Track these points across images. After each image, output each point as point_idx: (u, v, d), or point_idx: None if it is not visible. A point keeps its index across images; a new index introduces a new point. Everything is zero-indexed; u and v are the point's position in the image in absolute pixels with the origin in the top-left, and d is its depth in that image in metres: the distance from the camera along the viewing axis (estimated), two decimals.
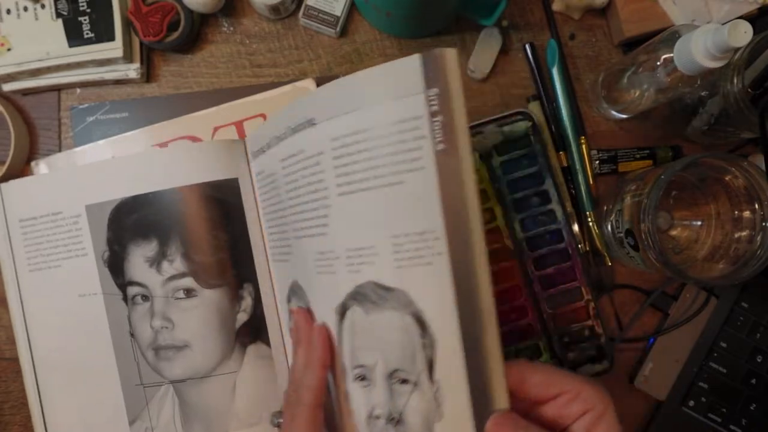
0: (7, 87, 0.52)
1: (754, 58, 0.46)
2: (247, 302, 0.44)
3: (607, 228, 0.52)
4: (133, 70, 0.52)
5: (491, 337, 0.30)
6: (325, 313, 0.36)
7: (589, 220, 0.53)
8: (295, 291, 0.40)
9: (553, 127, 0.54)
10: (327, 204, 0.34)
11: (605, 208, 0.53)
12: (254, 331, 0.44)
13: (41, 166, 0.51)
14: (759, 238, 0.46)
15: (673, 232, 0.53)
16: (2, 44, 0.50)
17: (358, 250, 0.33)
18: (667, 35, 0.44)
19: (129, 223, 0.43)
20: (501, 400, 0.31)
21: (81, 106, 0.53)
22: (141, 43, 0.52)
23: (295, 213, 0.37)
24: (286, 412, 0.36)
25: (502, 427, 0.30)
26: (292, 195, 0.37)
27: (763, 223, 0.46)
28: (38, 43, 0.50)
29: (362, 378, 0.34)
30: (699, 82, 0.44)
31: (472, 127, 0.52)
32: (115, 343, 0.44)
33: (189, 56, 0.54)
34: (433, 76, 0.30)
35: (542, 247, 0.53)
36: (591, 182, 0.53)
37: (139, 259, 0.43)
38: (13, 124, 0.50)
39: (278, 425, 0.43)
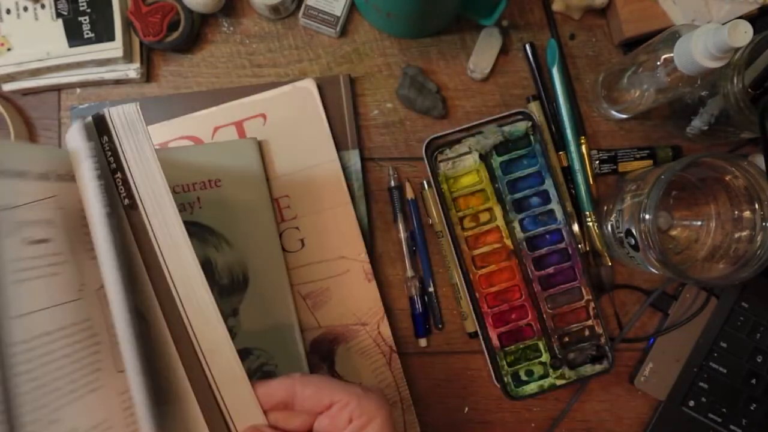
0: (7, 87, 0.52)
1: (754, 58, 0.46)
2: None
3: (607, 228, 0.52)
4: (133, 70, 0.52)
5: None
6: None
7: (589, 220, 0.53)
8: None
9: (553, 127, 0.54)
10: None
11: (605, 208, 0.53)
12: None
13: None
14: (759, 238, 0.46)
15: (673, 232, 0.53)
16: (2, 44, 0.50)
17: None
18: (667, 35, 0.44)
19: None
20: (254, 417, 0.33)
21: (81, 106, 0.53)
22: (141, 43, 0.52)
23: None
24: None
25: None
26: None
27: (763, 223, 0.46)
28: (38, 43, 0.50)
29: None
30: (699, 82, 0.44)
31: (472, 127, 0.52)
32: None
33: (189, 56, 0.54)
34: None
35: (542, 247, 0.53)
36: (591, 182, 0.53)
37: None
38: (13, 124, 0.50)
39: None
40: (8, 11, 0.50)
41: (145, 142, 0.34)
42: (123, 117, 0.34)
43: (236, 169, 0.48)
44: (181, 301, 0.33)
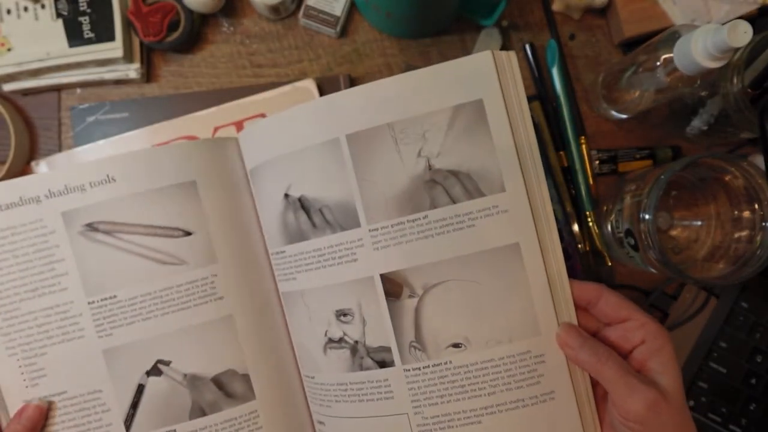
0: (7, 87, 0.52)
1: (754, 58, 0.46)
2: None
3: (607, 228, 0.52)
4: (133, 70, 0.52)
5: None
6: None
7: (589, 220, 0.53)
8: None
9: (553, 127, 0.54)
10: None
11: (605, 208, 0.53)
12: None
13: (41, 166, 0.51)
14: (759, 238, 0.46)
15: (673, 232, 0.53)
16: (2, 44, 0.50)
17: None
18: (667, 35, 0.44)
19: None
20: (569, 316, 0.37)
21: (81, 106, 0.53)
22: (141, 43, 0.52)
23: None
24: None
25: (569, 334, 0.36)
26: None
27: (763, 223, 0.46)
28: (38, 43, 0.50)
29: None
30: (699, 82, 0.44)
31: None
32: None
33: (189, 56, 0.54)
34: None
35: None
36: (591, 182, 0.53)
37: None
38: (13, 125, 0.51)
39: None
40: (8, 11, 0.50)
41: None
42: None
43: None
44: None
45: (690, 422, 0.35)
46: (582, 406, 0.38)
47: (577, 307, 0.38)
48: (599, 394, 0.38)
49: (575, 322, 0.37)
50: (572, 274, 0.52)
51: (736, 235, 0.49)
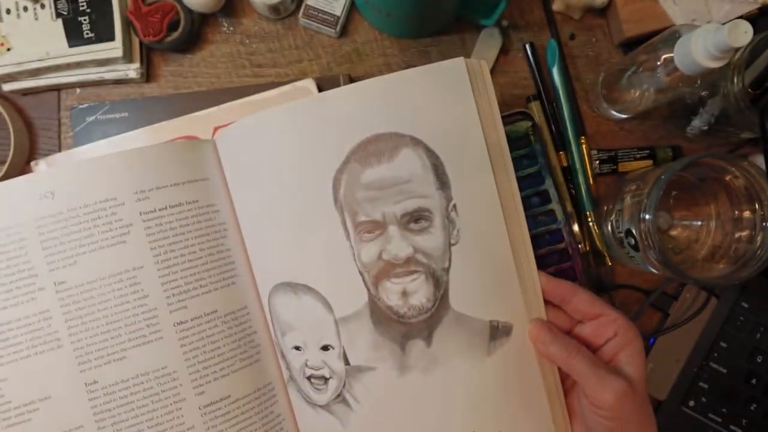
0: (7, 87, 0.52)
1: (754, 58, 0.46)
2: None
3: (607, 228, 0.52)
4: (133, 70, 0.52)
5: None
6: None
7: (589, 220, 0.53)
8: None
9: (553, 127, 0.54)
10: None
11: (605, 208, 0.53)
12: None
13: (41, 166, 0.51)
14: (759, 238, 0.46)
15: (673, 232, 0.53)
16: (2, 44, 0.50)
17: None
18: (667, 35, 0.44)
19: None
20: (539, 311, 0.40)
21: (81, 106, 0.53)
22: (141, 43, 0.52)
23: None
24: None
25: (540, 330, 0.39)
26: None
27: (763, 223, 0.46)
28: (38, 43, 0.50)
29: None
30: (699, 82, 0.44)
31: None
32: None
33: (189, 56, 0.54)
34: None
35: (542, 247, 0.53)
36: (591, 182, 0.53)
37: None
38: (12, 125, 0.50)
39: None
40: (8, 11, 0.50)
41: None
42: None
43: None
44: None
45: (650, 409, 0.38)
46: (552, 398, 0.39)
47: (552, 304, 0.40)
48: (567, 386, 0.41)
49: (544, 316, 0.40)
50: (572, 274, 0.52)
51: (737, 235, 0.49)
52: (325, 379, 0.39)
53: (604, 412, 0.37)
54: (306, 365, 0.40)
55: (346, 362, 0.39)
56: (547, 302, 0.40)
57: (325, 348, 0.39)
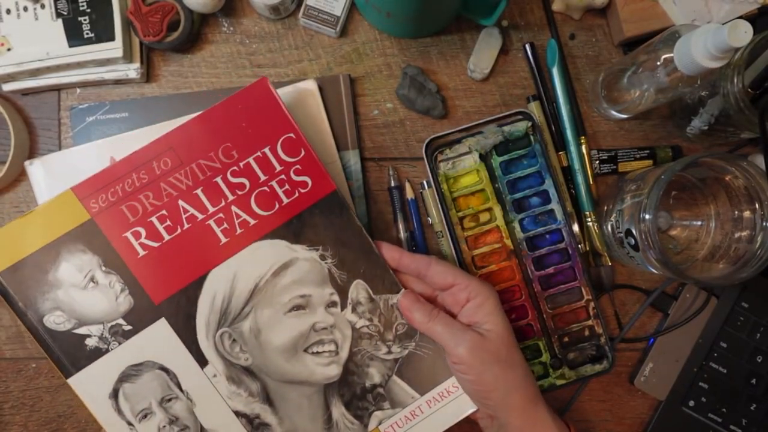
0: (7, 87, 0.52)
1: (754, 58, 0.46)
2: None
3: (607, 228, 0.52)
4: (133, 70, 0.52)
5: None
6: None
7: (589, 220, 0.53)
8: None
9: (553, 127, 0.54)
10: None
11: (605, 208, 0.53)
12: None
13: (36, 166, 0.50)
14: (759, 238, 0.46)
15: (673, 232, 0.53)
16: (2, 44, 0.50)
17: None
18: (667, 35, 0.44)
19: None
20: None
21: (81, 106, 0.53)
22: (141, 43, 0.52)
23: None
24: None
25: (405, 299, 0.45)
26: None
27: (763, 223, 0.46)
28: (38, 43, 0.50)
29: None
30: (699, 82, 0.44)
31: (472, 127, 0.52)
32: None
33: (189, 56, 0.54)
34: None
35: (542, 247, 0.53)
36: (591, 182, 0.53)
37: None
38: (12, 124, 0.50)
39: None
40: (8, 11, 0.50)
41: None
42: None
43: None
44: None
45: (514, 357, 0.43)
46: None
47: (410, 273, 0.46)
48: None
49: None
50: (572, 274, 0.52)
51: (737, 235, 0.49)
52: None
53: (460, 366, 0.43)
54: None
55: None
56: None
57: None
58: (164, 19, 0.51)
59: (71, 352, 0.44)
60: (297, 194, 0.45)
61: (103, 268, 0.44)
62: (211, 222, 0.45)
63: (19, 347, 0.53)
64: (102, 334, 0.44)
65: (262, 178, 0.45)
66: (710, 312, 0.53)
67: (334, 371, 0.46)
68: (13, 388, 0.53)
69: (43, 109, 0.54)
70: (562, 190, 0.53)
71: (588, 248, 0.53)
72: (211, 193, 0.45)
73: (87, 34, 0.50)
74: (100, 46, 0.50)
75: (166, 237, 0.44)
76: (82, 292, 0.44)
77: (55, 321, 0.44)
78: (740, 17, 0.50)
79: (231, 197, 0.45)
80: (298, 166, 0.45)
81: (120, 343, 0.44)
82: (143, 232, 0.44)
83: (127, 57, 0.51)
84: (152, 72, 0.54)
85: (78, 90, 0.54)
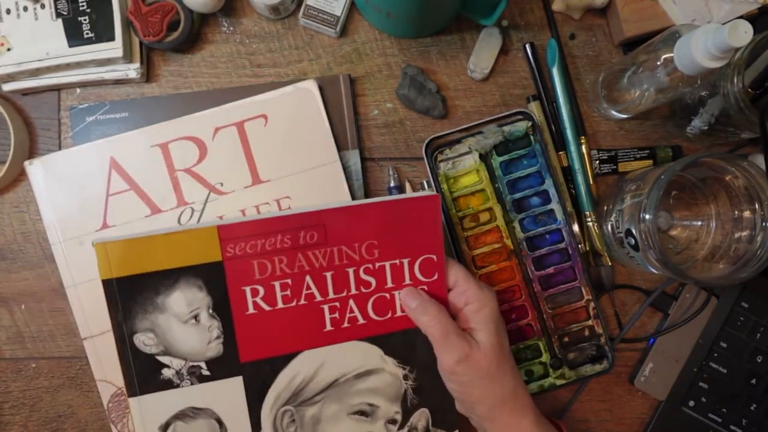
0: (7, 87, 0.52)
1: (754, 58, 0.46)
2: None
3: (607, 228, 0.52)
4: (133, 70, 0.52)
5: None
6: None
7: (589, 220, 0.53)
8: None
9: (553, 127, 0.54)
10: None
11: (605, 208, 0.53)
12: None
13: (36, 165, 0.50)
14: (759, 238, 0.46)
15: (673, 232, 0.53)
16: (2, 44, 0.50)
17: None
18: (667, 35, 0.44)
19: None
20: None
21: (81, 106, 0.53)
22: (141, 43, 0.52)
23: None
24: None
25: (407, 295, 0.45)
26: None
27: (763, 223, 0.46)
28: (38, 42, 0.50)
29: None
30: (699, 82, 0.44)
31: (472, 127, 0.52)
32: None
33: (189, 56, 0.54)
34: None
35: (542, 247, 0.53)
36: (591, 182, 0.53)
37: None
38: (12, 124, 0.50)
39: None
40: (8, 11, 0.50)
41: None
42: None
43: None
44: None
45: (504, 368, 0.42)
46: None
47: None
48: None
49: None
50: (572, 274, 0.52)
51: (737, 235, 0.49)
52: None
53: (447, 374, 0.43)
54: None
55: None
56: None
57: None
58: (164, 19, 0.51)
59: (145, 375, 0.44)
60: None
61: (210, 311, 0.44)
62: (326, 307, 0.45)
63: (19, 347, 0.53)
64: (180, 370, 0.44)
65: (389, 284, 0.45)
66: (710, 312, 0.53)
67: None
68: (13, 388, 0.53)
69: (43, 109, 0.54)
70: (562, 190, 0.53)
71: (588, 248, 0.53)
72: (339, 280, 0.45)
73: (87, 34, 0.50)
74: (100, 46, 0.50)
75: (280, 305, 0.44)
76: (181, 325, 0.44)
77: (145, 342, 0.44)
78: (740, 17, 0.50)
79: (354, 291, 0.45)
80: (425, 287, 0.45)
81: (192, 384, 0.44)
82: (262, 291, 0.44)
83: (127, 57, 0.51)
84: (152, 72, 0.54)
85: (78, 90, 0.54)
